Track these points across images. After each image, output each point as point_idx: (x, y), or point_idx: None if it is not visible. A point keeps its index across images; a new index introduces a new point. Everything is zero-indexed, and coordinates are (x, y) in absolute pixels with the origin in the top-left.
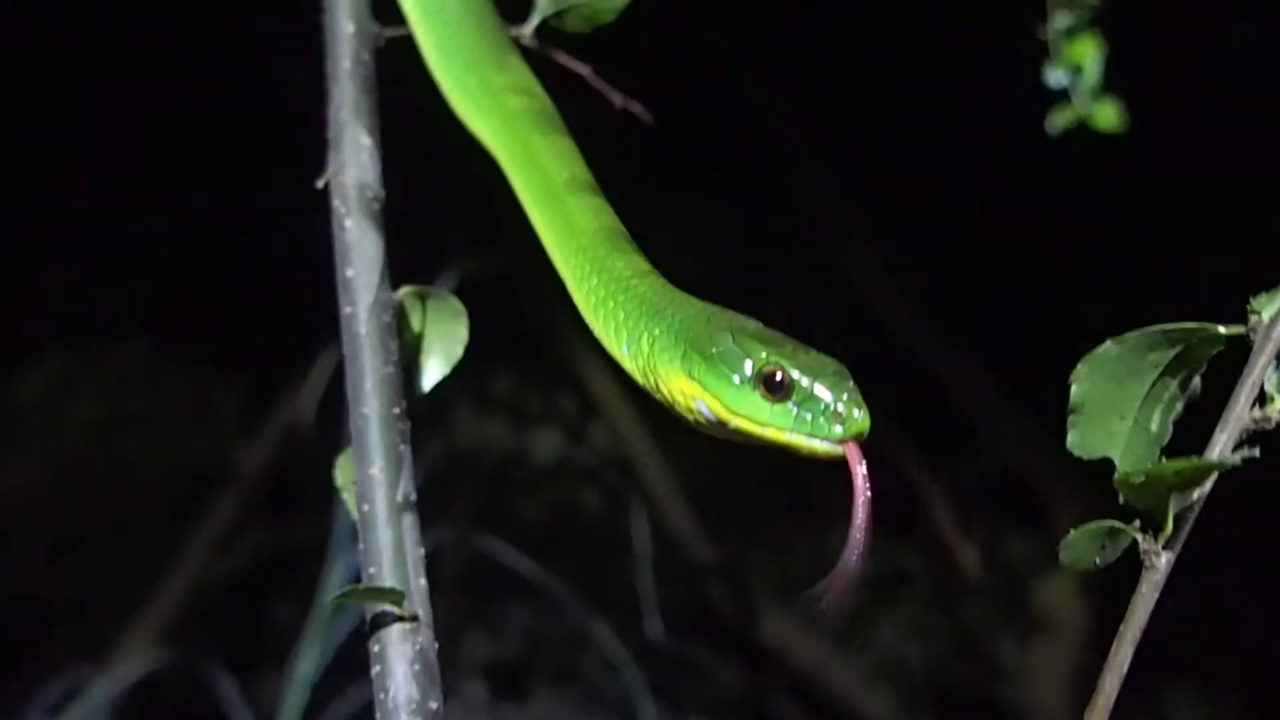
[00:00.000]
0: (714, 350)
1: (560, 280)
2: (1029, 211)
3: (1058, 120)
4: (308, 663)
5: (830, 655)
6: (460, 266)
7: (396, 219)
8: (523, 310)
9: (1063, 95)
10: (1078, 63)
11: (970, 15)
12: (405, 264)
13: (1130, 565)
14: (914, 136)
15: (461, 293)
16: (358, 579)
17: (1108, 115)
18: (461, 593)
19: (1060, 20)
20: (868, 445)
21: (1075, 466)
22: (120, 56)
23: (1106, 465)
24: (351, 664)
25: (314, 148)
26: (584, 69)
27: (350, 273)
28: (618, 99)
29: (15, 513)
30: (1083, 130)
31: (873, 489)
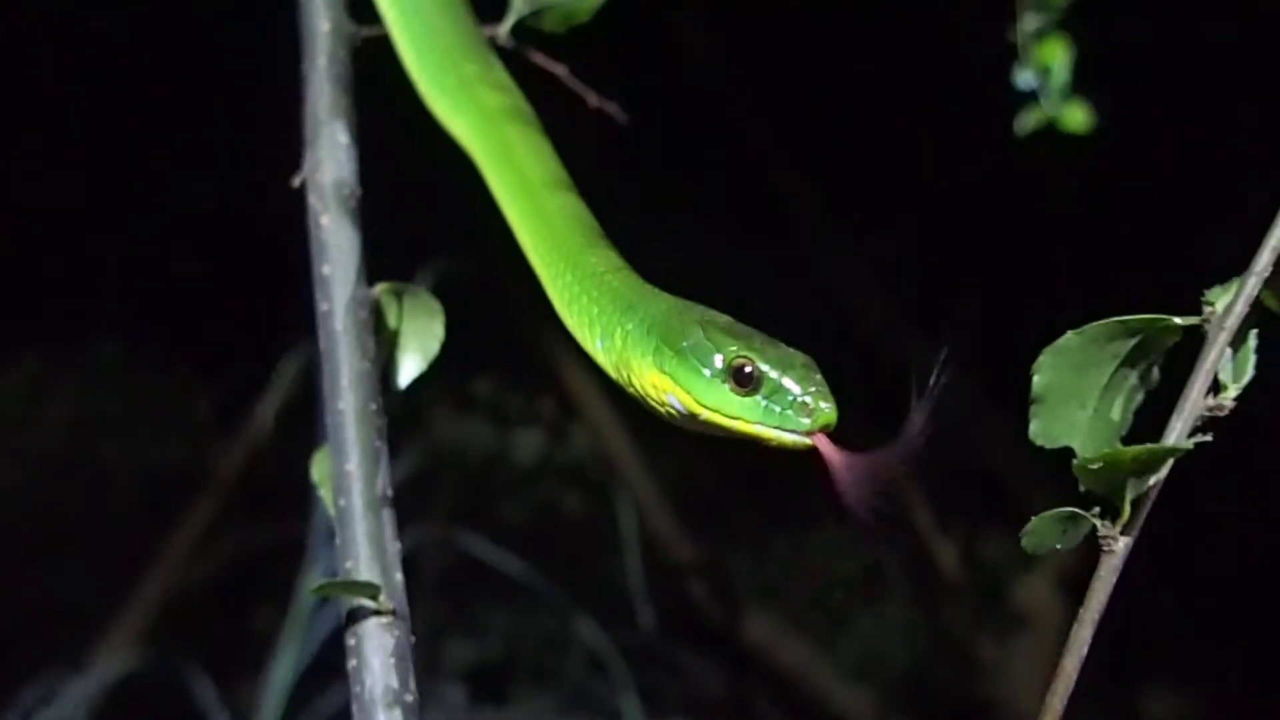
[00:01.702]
0: (684, 344)
1: (536, 279)
2: (1005, 214)
3: (1027, 121)
4: (285, 665)
5: (811, 654)
6: (438, 267)
7: (373, 220)
8: (502, 311)
9: (1031, 97)
10: (1047, 64)
11: (944, 20)
12: (382, 265)
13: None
14: (891, 140)
15: (440, 294)
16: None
17: (1076, 116)
18: (441, 595)
19: (1029, 22)
20: (845, 440)
21: (1053, 466)
22: (93, 60)
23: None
24: (329, 666)
25: (291, 151)
26: (560, 69)
27: (326, 269)
28: (594, 99)
29: None
30: (1055, 134)
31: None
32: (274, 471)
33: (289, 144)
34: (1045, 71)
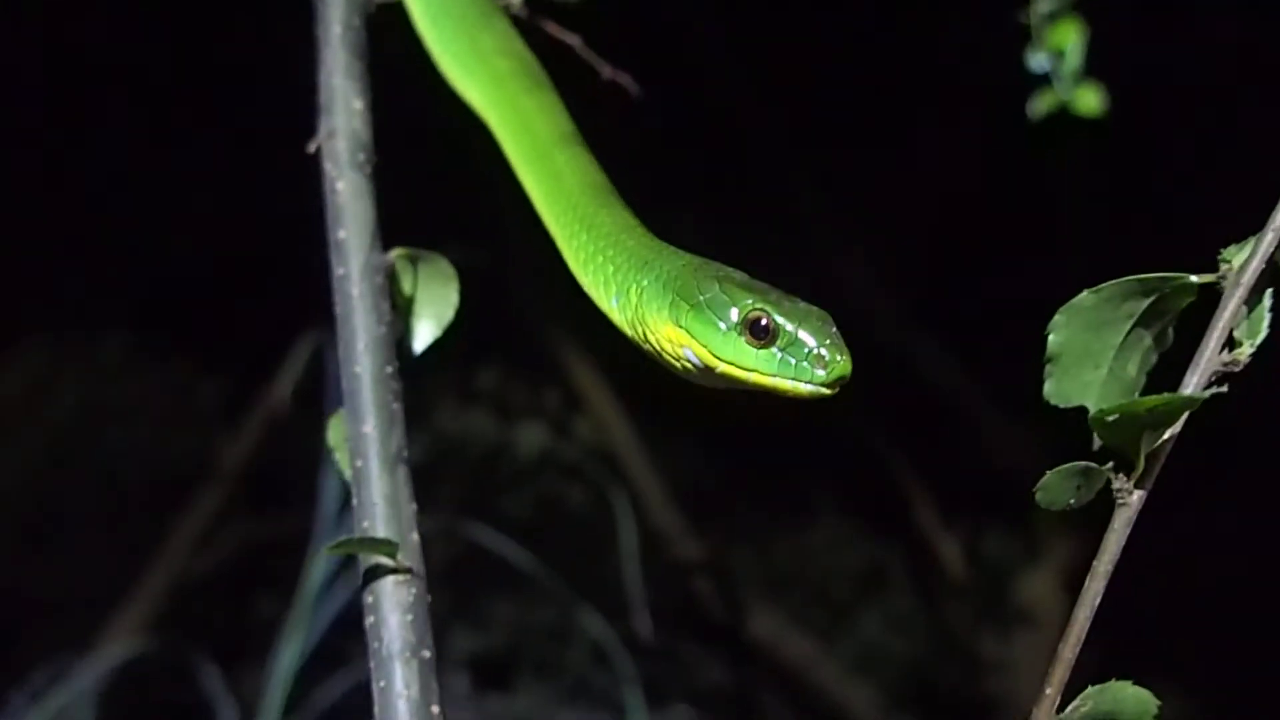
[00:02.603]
0: (701, 298)
1: (542, 271)
2: (1015, 210)
3: (1040, 105)
4: (290, 653)
5: (815, 650)
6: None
7: (380, 212)
8: (508, 304)
9: (1044, 80)
10: (1060, 47)
11: (947, 17)
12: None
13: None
14: (899, 133)
15: None
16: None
17: (1089, 100)
18: (445, 585)
19: (1042, 5)
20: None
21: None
22: (98, 51)
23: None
24: (333, 655)
25: (301, 142)
26: (573, 39)
27: (342, 234)
28: (607, 70)
29: None
30: (1066, 119)
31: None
32: (279, 461)
33: (299, 136)
34: (1058, 55)
